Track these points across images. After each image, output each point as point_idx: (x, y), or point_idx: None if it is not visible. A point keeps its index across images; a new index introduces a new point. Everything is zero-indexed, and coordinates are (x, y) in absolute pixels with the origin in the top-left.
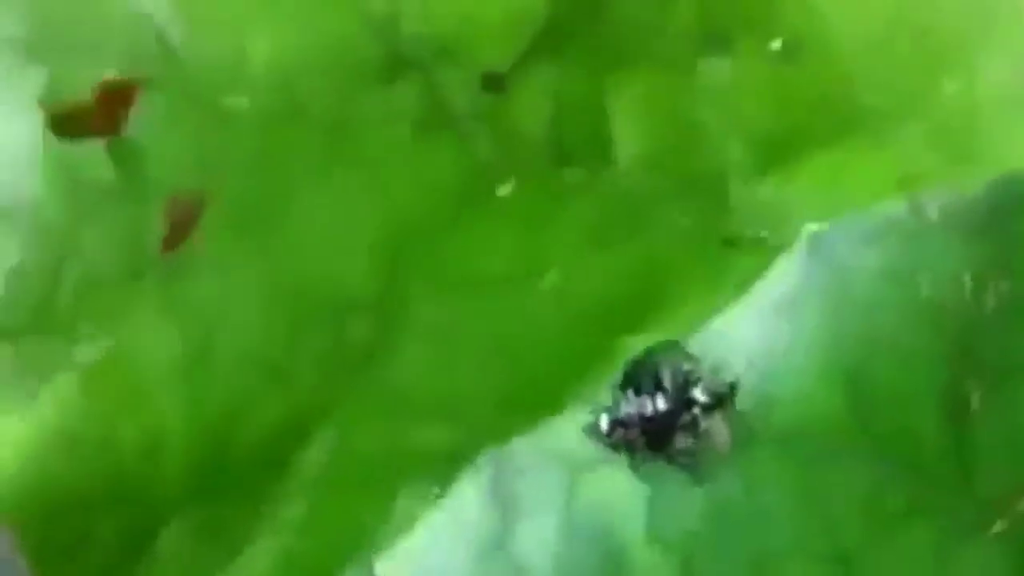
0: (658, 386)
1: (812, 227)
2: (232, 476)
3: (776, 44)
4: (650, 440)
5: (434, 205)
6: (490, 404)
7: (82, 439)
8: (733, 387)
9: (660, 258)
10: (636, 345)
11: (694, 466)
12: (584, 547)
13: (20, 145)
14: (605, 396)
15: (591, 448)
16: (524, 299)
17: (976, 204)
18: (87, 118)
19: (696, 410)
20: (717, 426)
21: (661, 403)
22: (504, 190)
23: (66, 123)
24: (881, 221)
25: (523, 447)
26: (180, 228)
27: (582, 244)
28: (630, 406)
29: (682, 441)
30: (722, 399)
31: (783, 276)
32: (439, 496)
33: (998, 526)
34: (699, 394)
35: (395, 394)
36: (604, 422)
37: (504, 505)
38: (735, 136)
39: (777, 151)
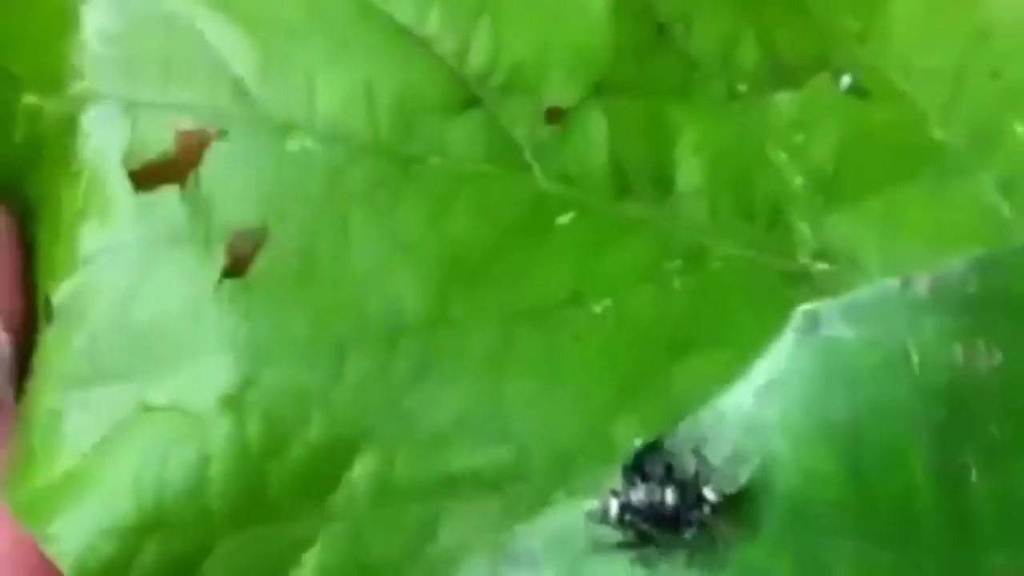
0: (668, 475)
1: (806, 305)
2: (275, 502)
3: (846, 79)
4: (660, 528)
5: (491, 233)
6: (540, 430)
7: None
8: (743, 488)
9: (716, 289)
10: (690, 373)
11: (701, 557)
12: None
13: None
14: (609, 482)
15: (591, 535)
16: (577, 326)
17: (965, 279)
18: (166, 169)
19: (706, 508)
20: (723, 523)
21: (670, 494)
22: (564, 219)
23: (143, 175)
24: (871, 297)
25: (523, 534)
26: (241, 262)
27: (639, 274)
28: (639, 492)
29: (688, 533)
30: (730, 499)
31: (778, 351)
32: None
33: None
34: (709, 492)
35: (441, 420)
36: (614, 506)
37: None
38: (799, 170)
39: (842, 187)
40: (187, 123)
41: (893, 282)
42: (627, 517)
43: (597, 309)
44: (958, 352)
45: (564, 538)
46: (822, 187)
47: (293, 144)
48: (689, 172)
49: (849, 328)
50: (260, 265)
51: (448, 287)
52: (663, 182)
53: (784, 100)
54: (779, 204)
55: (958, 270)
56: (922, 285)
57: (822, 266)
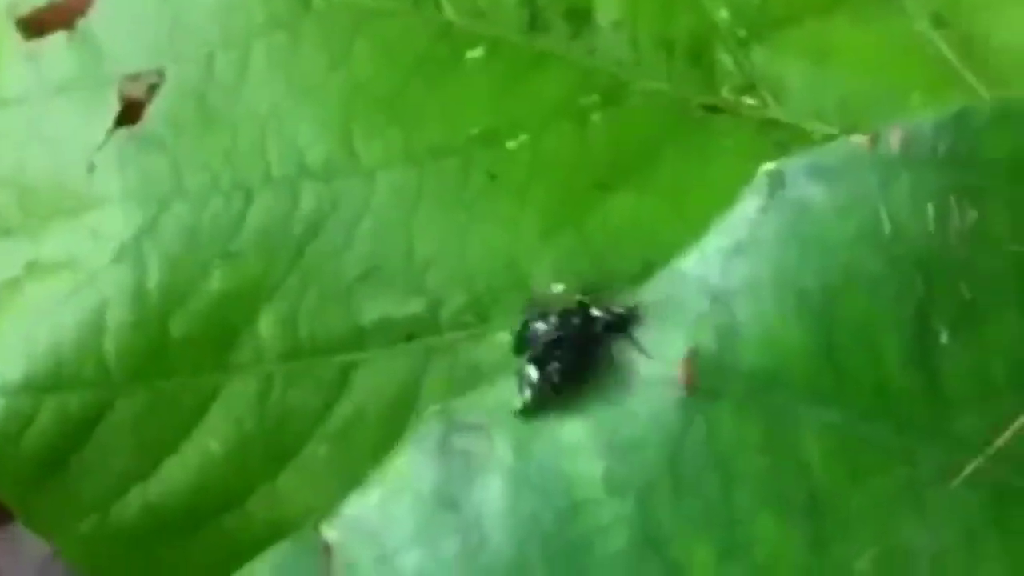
0: (562, 314)
1: (769, 165)
2: (176, 355)
3: None
4: (565, 360)
5: (396, 71)
6: (454, 277)
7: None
8: (634, 310)
9: (637, 125)
10: (613, 211)
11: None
12: (539, 500)
13: None
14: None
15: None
16: (492, 163)
17: (938, 135)
18: (55, 15)
19: (598, 327)
20: (625, 347)
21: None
22: (474, 54)
23: (32, 23)
24: (840, 155)
25: (470, 403)
26: (134, 108)
27: (555, 110)
28: (539, 327)
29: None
30: (623, 318)
31: (741, 214)
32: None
33: (969, 467)
34: (600, 312)
35: (349, 270)
36: (531, 371)
37: (453, 463)
38: (723, 3)
39: (767, 19)
40: None
41: (861, 139)
42: (533, 344)
43: (512, 145)
44: (930, 212)
45: (510, 407)
46: (746, 19)
47: None
48: (607, 5)
49: (817, 189)
50: (155, 110)
51: (352, 129)
52: (580, 15)
53: None
54: (702, 37)
55: (929, 126)
56: (893, 142)
57: (747, 100)
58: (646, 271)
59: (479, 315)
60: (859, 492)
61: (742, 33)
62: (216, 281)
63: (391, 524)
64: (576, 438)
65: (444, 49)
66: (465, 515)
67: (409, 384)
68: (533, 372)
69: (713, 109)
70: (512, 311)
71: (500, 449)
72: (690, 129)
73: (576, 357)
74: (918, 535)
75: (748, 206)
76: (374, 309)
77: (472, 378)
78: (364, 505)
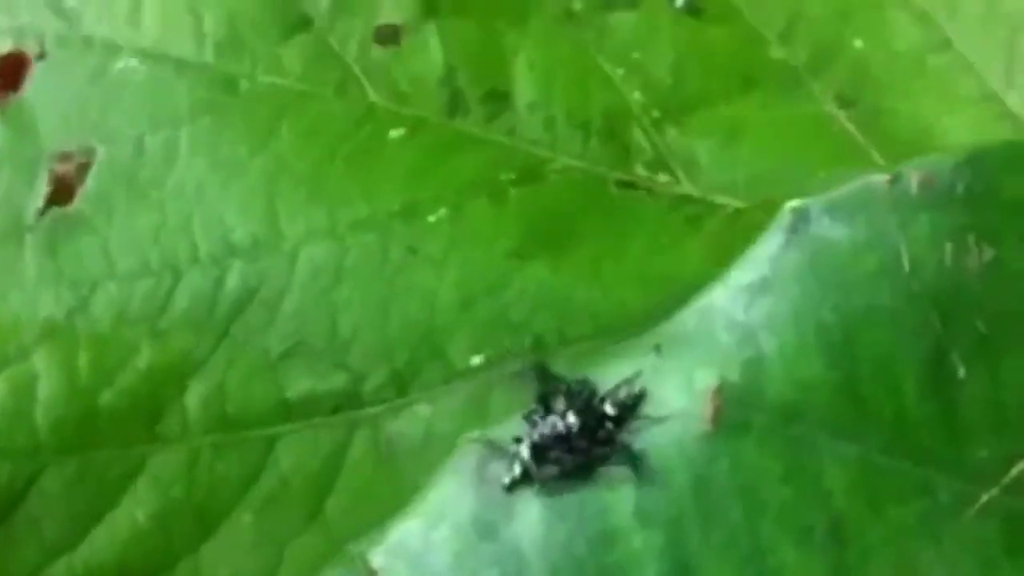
0: (569, 406)
1: (793, 203)
2: (106, 428)
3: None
4: (574, 457)
5: (320, 150)
6: (375, 353)
7: None
8: (638, 397)
9: (553, 199)
10: (529, 282)
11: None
12: (574, 528)
13: None
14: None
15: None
16: (411, 236)
17: (957, 175)
18: None
19: (608, 424)
20: (628, 435)
21: (574, 419)
22: (396, 134)
23: None
24: (860, 194)
25: (507, 431)
26: (65, 187)
27: (474, 186)
28: (546, 427)
29: (599, 452)
30: (629, 408)
31: (764, 250)
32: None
33: (985, 497)
34: (608, 407)
35: (274, 345)
36: (525, 451)
37: (490, 492)
38: (637, 85)
39: (680, 101)
40: (7, 45)
41: (880, 178)
42: (539, 454)
43: (432, 219)
44: (948, 251)
45: None
46: (660, 101)
47: (118, 63)
48: (524, 88)
49: (838, 226)
50: (86, 189)
51: (277, 208)
52: (498, 98)
53: (620, 19)
54: (616, 117)
55: (948, 167)
56: (912, 182)
57: (660, 176)
58: (563, 341)
59: (399, 388)
60: (879, 522)
61: (656, 114)
62: (144, 357)
63: (432, 551)
64: (609, 470)
65: (367, 129)
66: (503, 544)
67: (333, 455)
68: (527, 457)
69: (628, 185)
70: (431, 384)
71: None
72: (605, 204)
73: (577, 458)
74: (936, 564)
75: (771, 242)
76: (299, 384)
77: (394, 448)
78: (407, 533)
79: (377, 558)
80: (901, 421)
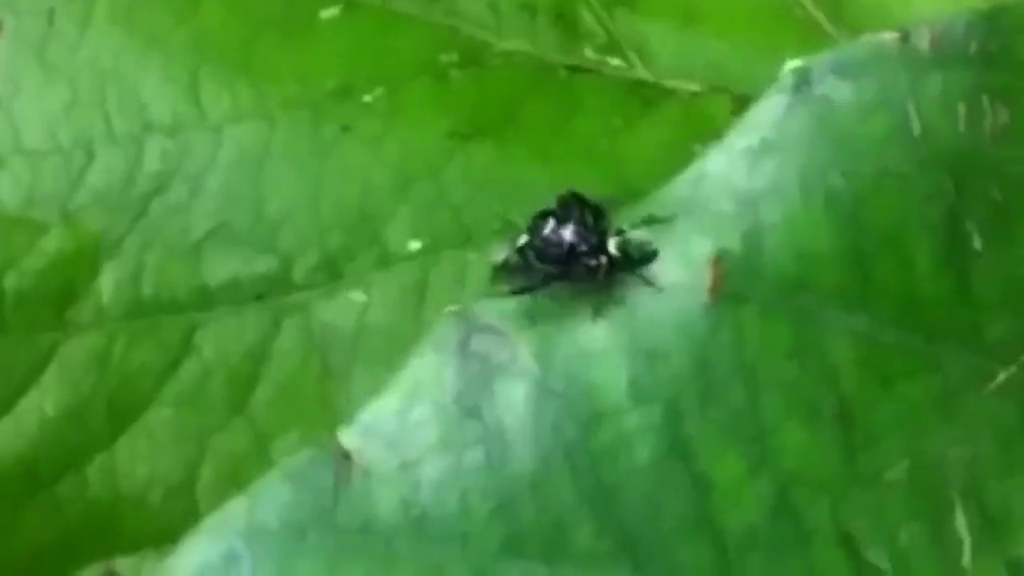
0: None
1: (795, 62)
2: (12, 312)
3: None
4: (554, 259)
5: (246, 27)
6: (305, 235)
7: None
8: (649, 254)
9: (498, 83)
10: (471, 165)
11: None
12: (562, 409)
13: None
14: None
15: (562, 307)
16: (346, 116)
17: (970, 33)
18: None
19: (603, 259)
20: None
21: (571, 235)
22: (327, 14)
23: None
24: (869, 54)
25: (488, 306)
26: None
27: (413, 67)
28: (542, 234)
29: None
30: (631, 260)
31: (766, 113)
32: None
33: (1003, 375)
34: (612, 245)
35: (195, 227)
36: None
37: (473, 368)
38: None
39: None
40: None
41: (890, 36)
42: (529, 258)
43: (368, 99)
44: (961, 112)
45: (531, 312)
46: None
47: None
48: None
49: (844, 86)
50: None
51: (199, 83)
52: None
53: None
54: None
55: (961, 25)
56: (923, 40)
57: (612, 60)
58: (505, 224)
59: (332, 273)
60: (890, 400)
61: None
62: (54, 239)
63: (411, 431)
64: (599, 344)
65: (297, 7)
66: (487, 424)
67: (258, 345)
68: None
69: (577, 69)
70: (365, 268)
71: (521, 354)
72: (554, 87)
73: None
74: (951, 444)
75: (773, 104)
76: (222, 268)
77: (325, 338)
78: (383, 411)
79: (350, 437)
80: (912, 293)
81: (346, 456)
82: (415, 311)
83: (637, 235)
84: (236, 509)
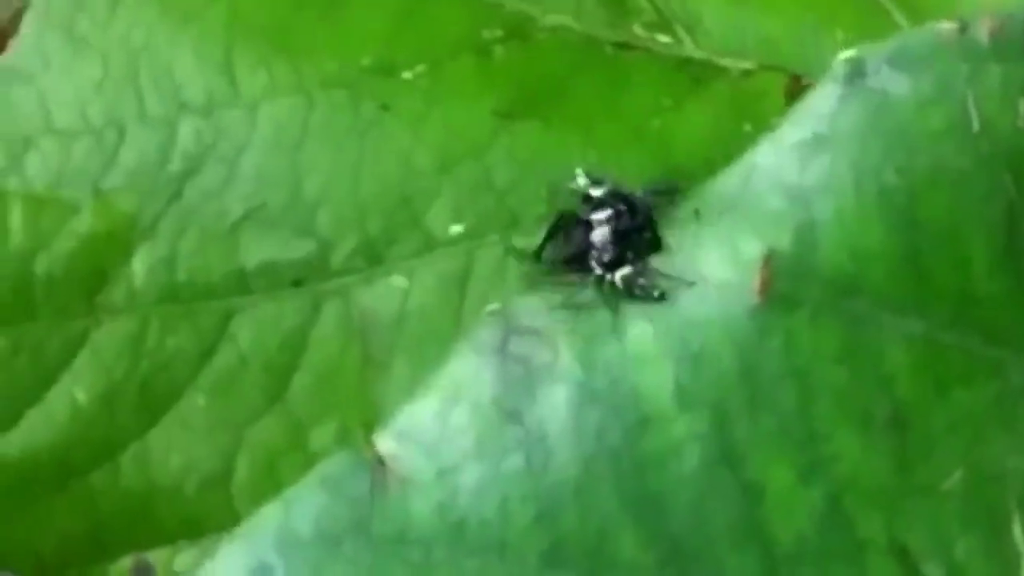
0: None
1: (848, 52)
2: (43, 296)
3: None
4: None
5: (283, 3)
6: (345, 219)
7: None
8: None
9: (543, 60)
10: (517, 144)
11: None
12: (606, 414)
13: None
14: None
15: (607, 307)
16: (385, 93)
17: None
18: None
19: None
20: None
21: (602, 234)
22: None
23: None
24: (926, 45)
25: (529, 304)
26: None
27: (455, 42)
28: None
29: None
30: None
31: (818, 105)
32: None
33: None
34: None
35: (231, 209)
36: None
37: (514, 371)
38: None
39: None
40: None
41: (948, 26)
42: (555, 254)
43: (408, 76)
44: (1021, 108)
45: (573, 312)
46: None
47: None
48: None
49: (900, 78)
50: (22, 39)
51: (234, 59)
52: None
53: None
54: None
55: (1020, 18)
56: (983, 31)
57: (661, 37)
58: (552, 208)
59: (372, 258)
60: (946, 407)
61: None
62: (85, 220)
63: (450, 436)
64: (644, 347)
65: None
66: (528, 428)
67: (296, 332)
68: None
69: (624, 46)
70: (407, 254)
71: (563, 357)
72: (600, 64)
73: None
74: (1007, 452)
75: (826, 96)
76: (258, 251)
77: (365, 325)
78: (420, 415)
79: (386, 443)
80: (969, 295)
81: (382, 462)
82: (458, 298)
83: (663, 263)
84: (269, 517)
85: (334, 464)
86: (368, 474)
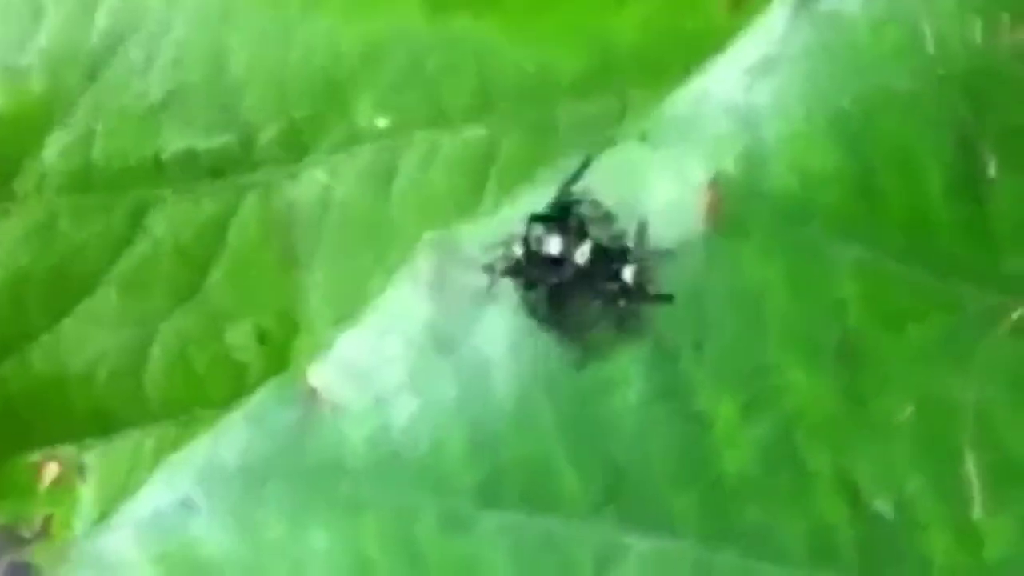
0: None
1: None
2: None
3: None
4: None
5: None
6: (271, 104)
7: None
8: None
9: None
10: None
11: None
12: (545, 341)
13: None
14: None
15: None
16: None
17: None
18: None
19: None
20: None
21: (583, 255)
22: None
23: None
24: None
25: (469, 234)
26: None
27: None
28: (548, 245)
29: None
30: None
31: (768, 26)
32: None
33: (1018, 312)
34: (628, 270)
35: (151, 91)
36: (517, 252)
37: (451, 300)
38: None
39: None
40: None
41: None
42: (528, 270)
43: None
44: (977, 28)
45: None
46: None
47: None
48: None
49: (852, 1)
50: None
51: None
52: None
53: None
54: None
55: None
56: None
57: None
58: (482, 103)
59: (295, 148)
60: (897, 340)
61: None
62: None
63: (383, 367)
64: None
65: None
66: (464, 358)
67: (213, 225)
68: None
69: None
70: (331, 146)
71: (504, 284)
72: None
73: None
74: (962, 386)
75: (776, 18)
76: (177, 139)
77: (286, 220)
78: (352, 344)
79: (318, 375)
80: (923, 223)
81: (314, 393)
82: (382, 196)
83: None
84: (195, 451)
85: (262, 396)
86: (299, 406)
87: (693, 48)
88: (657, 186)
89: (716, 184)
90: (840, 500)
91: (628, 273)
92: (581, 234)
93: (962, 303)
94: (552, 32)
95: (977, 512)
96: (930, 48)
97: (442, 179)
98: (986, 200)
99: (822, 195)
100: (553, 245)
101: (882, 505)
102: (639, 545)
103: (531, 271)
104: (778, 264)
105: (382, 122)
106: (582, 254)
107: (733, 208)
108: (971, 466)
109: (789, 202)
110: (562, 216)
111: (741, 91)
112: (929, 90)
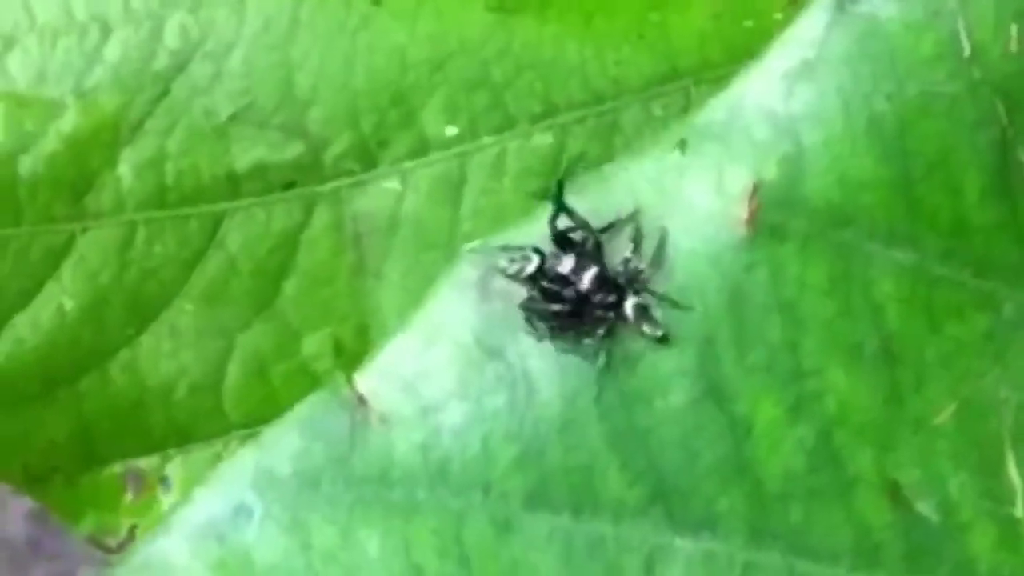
0: (595, 255)
1: None
2: (27, 199)
3: None
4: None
5: None
6: (339, 115)
7: None
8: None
9: None
10: (518, 30)
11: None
12: (589, 350)
13: None
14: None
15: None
16: None
17: None
18: None
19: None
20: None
21: (587, 281)
22: None
23: None
24: None
25: (509, 240)
26: None
27: None
28: (559, 266)
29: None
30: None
31: (806, 31)
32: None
33: None
34: (630, 302)
35: (222, 108)
36: (530, 267)
37: (494, 308)
38: None
39: None
40: None
41: None
42: (537, 287)
43: None
44: (1014, 33)
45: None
46: None
47: None
48: None
49: (889, 3)
50: None
51: None
52: None
53: None
54: None
55: None
56: None
57: None
58: (548, 108)
59: (365, 159)
60: (937, 340)
61: None
62: (69, 120)
63: (430, 375)
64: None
65: None
66: (510, 365)
67: (287, 237)
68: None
69: None
70: (401, 156)
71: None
72: None
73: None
74: (998, 386)
75: (814, 22)
76: (249, 153)
77: (358, 230)
78: (401, 353)
79: (366, 382)
80: (961, 225)
81: (363, 401)
82: (453, 204)
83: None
84: (247, 458)
85: (312, 404)
86: (348, 413)
87: (754, 47)
88: (695, 193)
89: (756, 190)
90: (882, 501)
91: (630, 305)
92: (596, 247)
93: (999, 303)
94: (616, 35)
95: (1020, 511)
96: (967, 52)
97: (511, 186)
98: (1021, 203)
99: (861, 200)
100: (565, 264)
101: (925, 506)
102: (686, 546)
103: (543, 287)
104: (818, 268)
105: (451, 130)
106: (589, 278)
107: (773, 214)
108: (1012, 465)
109: (829, 207)
110: (574, 230)
111: (779, 98)
112: (966, 94)
